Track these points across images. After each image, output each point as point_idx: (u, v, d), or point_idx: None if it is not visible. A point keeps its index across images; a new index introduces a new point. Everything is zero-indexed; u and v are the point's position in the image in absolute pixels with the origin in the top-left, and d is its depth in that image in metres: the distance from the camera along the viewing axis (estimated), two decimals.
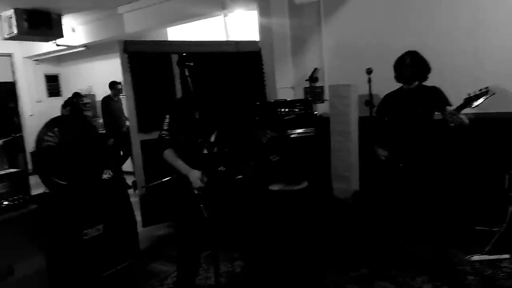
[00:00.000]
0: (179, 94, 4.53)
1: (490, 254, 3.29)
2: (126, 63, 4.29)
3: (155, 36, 6.91)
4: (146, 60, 4.41)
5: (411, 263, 3.31)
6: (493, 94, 2.76)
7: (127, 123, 6.82)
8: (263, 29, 5.21)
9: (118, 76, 7.15)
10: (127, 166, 7.22)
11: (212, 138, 2.51)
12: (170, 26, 6.96)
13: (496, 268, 3.13)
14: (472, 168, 3.84)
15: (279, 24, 5.13)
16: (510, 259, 3.22)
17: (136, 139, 4.41)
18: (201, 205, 2.32)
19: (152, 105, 4.38)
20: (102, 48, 8.02)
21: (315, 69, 4.88)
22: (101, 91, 8.76)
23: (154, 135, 4.21)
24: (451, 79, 3.74)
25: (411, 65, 3.09)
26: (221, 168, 2.56)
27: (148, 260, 3.80)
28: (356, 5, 4.60)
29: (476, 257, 3.29)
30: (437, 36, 4.05)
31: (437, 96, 3.07)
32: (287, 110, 4.15)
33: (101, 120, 8.72)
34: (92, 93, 9.12)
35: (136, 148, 4.43)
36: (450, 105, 3.03)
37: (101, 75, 8.74)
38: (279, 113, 4.39)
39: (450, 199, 3.45)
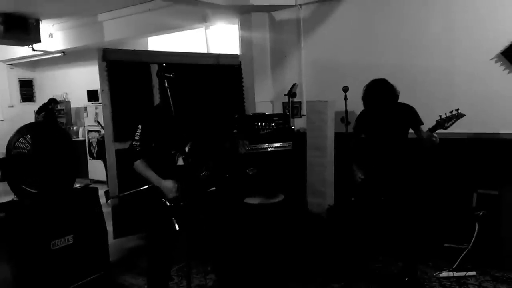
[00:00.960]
0: (157, 103, 4.50)
1: (457, 271, 3.37)
2: (104, 71, 4.25)
3: (135, 45, 6.87)
4: (125, 69, 4.37)
5: (380, 278, 3.36)
6: (463, 116, 2.88)
7: (102, 131, 6.76)
8: (244, 43, 5.28)
9: (95, 84, 7.10)
10: (100, 175, 7.09)
11: (187, 149, 2.49)
12: (150, 36, 6.95)
13: (463, 285, 3.21)
14: (441, 187, 3.95)
15: (260, 39, 5.22)
16: (476, 276, 3.31)
17: (111, 148, 4.34)
18: (173, 218, 2.30)
19: (130, 114, 4.33)
20: (79, 55, 7.92)
21: (294, 85, 4.96)
22: (77, 98, 8.63)
23: None
24: (424, 97, 3.88)
25: (378, 96, 3.12)
26: (204, 173, 2.55)
27: (119, 272, 3.72)
28: (334, 24, 4.73)
29: (444, 274, 3.37)
30: (411, 55, 4.20)
31: (411, 114, 3.17)
32: (264, 124, 4.19)
33: (75, 128, 8.57)
34: (67, 100, 8.95)
35: (111, 158, 4.36)
36: (422, 124, 3.13)
37: (77, 82, 8.62)
38: (256, 127, 4.42)
39: (420, 216, 3.53)
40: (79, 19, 6.74)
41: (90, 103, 7.91)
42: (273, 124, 4.34)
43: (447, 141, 3.05)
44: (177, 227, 2.28)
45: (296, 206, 4.40)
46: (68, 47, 7.33)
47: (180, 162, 2.52)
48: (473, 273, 3.35)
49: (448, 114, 2.89)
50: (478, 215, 3.55)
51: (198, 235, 2.55)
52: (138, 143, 2.49)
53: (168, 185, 2.42)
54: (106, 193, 5.73)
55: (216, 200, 2.71)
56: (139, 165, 2.50)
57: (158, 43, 7.09)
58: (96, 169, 7.48)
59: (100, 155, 6.99)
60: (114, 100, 4.31)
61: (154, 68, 4.48)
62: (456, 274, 3.35)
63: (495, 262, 3.41)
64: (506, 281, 3.22)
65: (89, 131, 7.82)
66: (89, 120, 7.83)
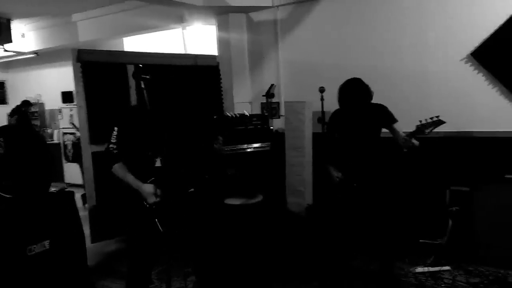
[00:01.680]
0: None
1: (432, 266, 3.48)
2: (79, 72, 4.17)
3: (110, 46, 6.77)
4: (101, 70, 4.30)
5: (359, 275, 3.43)
6: (443, 123, 2.96)
7: (78, 134, 6.62)
8: (222, 44, 5.28)
9: (69, 85, 6.96)
10: (76, 178, 6.95)
11: (165, 152, 2.46)
12: (126, 37, 6.86)
13: (438, 279, 3.32)
14: (416, 185, 4.05)
15: (237, 40, 5.23)
16: (450, 271, 3.42)
17: (88, 151, 4.27)
18: (156, 220, 2.28)
19: (106, 116, 4.26)
20: (53, 55, 7.73)
21: (272, 85, 4.99)
22: (51, 100, 8.43)
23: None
24: (398, 98, 3.97)
25: (353, 95, 3.17)
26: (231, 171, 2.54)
27: (97, 277, 3.66)
28: (311, 25, 4.78)
29: (419, 269, 3.47)
30: (386, 58, 4.29)
31: (383, 113, 3.24)
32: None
33: (49, 130, 8.37)
34: (41, 102, 8.73)
35: (87, 161, 4.28)
36: (396, 121, 3.21)
37: (51, 84, 8.42)
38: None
39: (396, 213, 3.62)
40: (52, 19, 6.59)
41: (64, 105, 7.75)
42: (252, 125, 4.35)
43: (421, 140, 3.13)
44: (160, 228, 2.25)
45: (275, 206, 4.43)
46: (41, 48, 7.15)
47: (158, 163, 2.50)
48: (447, 267, 3.46)
49: (429, 120, 2.96)
50: (452, 211, 3.67)
51: (179, 237, 2.53)
52: (115, 146, 2.45)
53: (148, 189, 2.40)
54: (83, 196, 5.63)
55: (196, 201, 2.70)
56: (118, 169, 2.46)
57: (134, 43, 7.01)
58: (72, 172, 7.33)
59: (76, 158, 6.85)
60: (89, 101, 4.24)
61: (131, 69, 4.43)
62: (431, 269, 3.45)
63: (468, 257, 3.53)
64: (478, 275, 3.33)
65: (64, 133, 7.66)
66: (64, 122, 7.67)
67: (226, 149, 2.64)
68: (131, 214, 2.55)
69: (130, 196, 2.47)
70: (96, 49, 5.96)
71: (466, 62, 3.89)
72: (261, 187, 4.39)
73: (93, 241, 4.21)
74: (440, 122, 2.95)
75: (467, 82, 3.89)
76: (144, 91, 2.30)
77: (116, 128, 2.48)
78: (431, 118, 2.96)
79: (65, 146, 7.65)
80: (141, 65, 2.39)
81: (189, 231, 2.66)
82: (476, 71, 3.85)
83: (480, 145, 3.83)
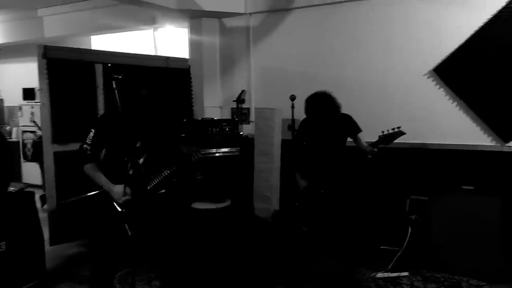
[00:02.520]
0: (101, 105, 4.36)
1: (392, 272, 3.60)
2: (44, 69, 4.03)
3: (77, 43, 6.59)
4: (67, 68, 4.18)
5: (322, 280, 3.50)
6: (404, 134, 3.10)
7: (39, 132, 6.37)
8: (193, 48, 5.28)
9: (31, 82, 6.70)
10: (35, 178, 6.68)
11: (141, 160, 2.46)
12: (94, 35, 6.70)
13: (397, 285, 3.43)
14: (378, 193, 4.20)
15: (210, 44, 5.24)
16: (409, 276, 3.56)
17: (49, 150, 4.13)
18: (126, 224, 2.25)
19: (70, 115, 4.15)
20: (15, 50, 7.42)
21: (243, 91, 5.03)
22: (11, 96, 8.07)
23: (71, 146, 4.09)
24: (363, 109, 4.11)
25: (320, 109, 3.28)
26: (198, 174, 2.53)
27: (56, 281, 3.53)
28: (283, 34, 4.87)
29: (380, 275, 3.58)
30: (352, 70, 4.43)
31: (349, 123, 3.36)
32: (214, 129, 4.22)
33: (7, 128, 8.00)
34: (0, 98, 8.33)
35: (49, 160, 4.14)
36: (361, 131, 3.33)
37: (12, 79, 8.06)
38: (206, 131, 4.44)
39: (359, 220, 3.73)
40: (16, 12, 6.34)
41: (25, 102, 7.43)
42: (221, 129, 4.36)
43: (383, 150, 3.27)
44: (130, 233, 2.23)
45: (242, 211, 4.45)
46: (3, 42, 6.85)
47: (132, 171, 2.48)
48: (406, 273, 3.59)
49: (390, 131, 3.09)
50: (411, 219, 3.82)
51: (146, 241, 2.51)
52: (89, 147, 2.43)
53: (118, 189, 2.37)
54: (42, 197, 5.41)
55: (163, 204, 2.68)
56: (89, 169, 2.44)
57: (102, 42, 6.85)
58: (31, 172, 7.03)
59: (36, 157, 6.58)
60: (53, 99, 4.10)
61: (99, 68, 4.34)
62: (390, 274, 3.57)
63: (425, 263, 3.68)
64: (434, 281, 3.48)
65: (24, 131, 7.33)
66: (24, 120, 7.35)
67: (199, 156, 2.63)
68: (99, 217, 2.50)
69: (98, 198, 2.42)
70: (62, 46, 5.80)
71: (429, 77, 4.09)
72: (229, 192, 4.40)
73: (52, 243, 4.06)
74: (400, 133, 3.09)
75: (429, 96, 4.08)
76: (115, 91, 2.27)
77: (93, 130, 2.45)
78: (393, 129, 3.10)
79: (25, 144, 7.33)
80: (110, 64, 2.36)
81: (156, 234, 2.63)
82: (438, 86, 4.06)
83: (439, 157, 4.02)
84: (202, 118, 4.89)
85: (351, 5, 4.40)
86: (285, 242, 3.89)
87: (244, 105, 5.10)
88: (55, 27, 6.19)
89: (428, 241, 3.69)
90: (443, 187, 3.75)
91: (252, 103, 5.09)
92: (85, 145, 2.45)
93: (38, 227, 3.41)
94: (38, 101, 6.86)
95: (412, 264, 3.68)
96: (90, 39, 6.88)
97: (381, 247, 3.93)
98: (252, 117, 5.00)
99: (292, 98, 3.65)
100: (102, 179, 2.42)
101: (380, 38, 4.30)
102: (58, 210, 4.10)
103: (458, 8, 3.89)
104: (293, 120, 3.67)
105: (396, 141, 3.19)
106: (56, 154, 4.13)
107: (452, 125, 4.00)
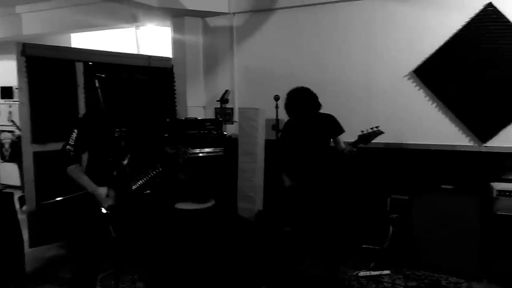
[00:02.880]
0: (81, 105, 4.29)
1: (374, 270, 3.66)
2: (23, 67, 3.94)
3: (57, 41, 6.44)
4: (47, 66, 4.10)
5: (305, 279, 3.53)
6: (382, 133, 3.16)
7: (17, 132, 6.21)
8: (176, 47, 5.23)
9: (9, 80, 6.54)
10: (13, 179, 6.51)
11: (126, 161, 2.43)
12: (74, 33, 6.57)
13: (379, 283, 3.49)
14: (359, 193, 4.25)
15: (193, 44, 5.20)
16: (390, 275, 3.62)
17: (29, 150, 4.04)
18: (110, 225, 2.23)
19: (50, 114, 4.08)
20: None
21: (226, 91, 5.02)
22: None
23: (51, 146, 4.01)
24: (345, 110, 4.15)
25: (301, 104, 3.31)
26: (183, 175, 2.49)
27: (35, 284, 3.45)
28: (266, 34, 4.88)
29: (362, 273, 3.64)
30: (335, 71, 4.48)
31: (332, 123, 3.39)
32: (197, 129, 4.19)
33: None
34: None
35: (28, 160, 4.05)
36: (343, 131, 3.37)
37: None
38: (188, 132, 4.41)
39: (342, 219, 3.77)
40: None
41: (3, 101, 7.24)
42: (206, 130, 4.35)
43: (364, 150, 3.32)
44: (113, 234, 2.20)
45: (226, 211, 4.44)
46: None
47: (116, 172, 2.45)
48: (388, 271, 3.65)
49: (369, 130, 3.15)
50: (392, 218, 3.89)
51: (129, 242, 2.48)
52: (72, 149, 2.38)
53: (102, 192, 2.34)
54: (21, 198, 5.29)
55: (147, 205, 2.66)
56: (73, 170, 2.40)
57: (82, 40, 6.72)
58: (8, 173, 6.85)
59: (14, 157, 6.42)
60: (33, 98, 4.02)
61: (79, 67, 4.27)
62: (373, 273, 3.63)
63: (406, 261, 3.75)
64: (415, 279, 3.55)
65: (1, 131, 7.14)
66: (1, 119, 7.16)
67: (186, 157, 2.62)
68: (82, 218, 2.46)
69: (82, 199, 2.39)
70: (41, 43, 5.67)
71: (409, 79, 4.17)
72: (213, 192, 4.39)
73: (31, 245, 3.97)
74: (379, 132, 3.16)
75: (409, 97, 4.16)
76: (98, 90, 2.23)
77: (75, 131, 2.41)
78: (372, 128, 3.15)
79: (2, 144, 7.13)
80: (91, 63, 2.33)
81: (140, 235, 2.61)
82: (418, 88, 4.14)
83: (419, 156, 4.11)
84: (186, 118, 4.86)
85: (333, 7, 4.44)
86: (268, 242, 3.91)
87: (228, 105, 5.09)
88: (34, 25, 6.04)
89: (409, 239, 3.76)
90: (423, 187, 3.83)
91: (236, 103, 5.09)
92: (68, 146, 2.41)
93: (18, 229, 3.34)
94: (16, 100, 6.70)
95: (394, 262, 3.75)
96: (70, 37, 6.74)
97: (363, 246, 3.99)
98: (236, 117, 4.99)
99: (276, 98, 3.67)
100: (85, 181, 2.38)
101: (362, 39, 4.35)
102: (37, 212, 4.02)
103: (437, 10, 3.98)
104: (277, 120, 3.69)
105: (377, 141, 3.25)
106: (35, 154, 4.05)
107: (432, 126, 4.09)
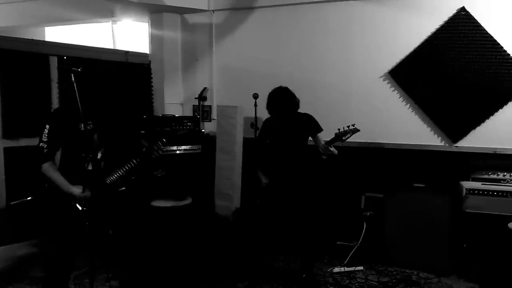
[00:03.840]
0: (55, 99, 4.20)
1: (348, 266, 3.73)
2: None
3: (30, 34, 6.23)
4: (19, 60, 4.00)
5: (282, 276, 3.58)
6: (358, 131, 3.22)
7: None
8: (154, 43, 5.18)
9: None
10: None
11: (99, 155, 2.39)
12: (48, 26, 6.41)
13: (352, 279, 3.57)
14: (334, 190, 4.33)
15: (171, 40, 5.16)
16: (363, 271, 3.71)
17: None
18: (86, 222, 2.20)
19: (22, 109, 3.97)
20: None
21: (205, 88, 5.01)
22: None
23: (23, 142, 3.90)
24: (323, 109, 4.22)
25: (281, 103, 3.35)
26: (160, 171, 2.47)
27: (6, 282, 3.37)
28: (246, 33, 4.89)
29: (336, 269, 3.71)
30: (313, 71, 4.53)
31: (310, 122, 3.44)
32: (175, 126, 4.16)
33: None
34: None
35: None
36: (321, 130, 3.42)
37: None
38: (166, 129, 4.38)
39: (316, 216, 3.83)
40: None
41: None
42: (183, 126, 4.32)
43: (340, 149, 3.38)
44: (89, 231, 2.17)
45: (203, 209, 4.43)
46: None
47: (90, 167, 2.41)
48: (361, 267, 3.74)
49: (346, 128, 3.21)
50: (366, 215, 3.98)
51: (105, 240, 2.45)
52: (45, 145, 2.33)
53: (76, 191, 2.30)
54: None
55: (122, 202, 2.63)
56: (47, 169, 2.35)
57: (57, 34, 6.56)
58: None
59: None
60: (4, 92, 3.92)
61: (53, 61, 4.18)
62: (346, 269, 3.71)
63: (379, 257, 3.84)
64: (388, 274, 3.65)
65: None
66: None
67: (164, 149, 2.59)
68: (56, 216, 2.41)
69: (56, 197, 2.34)
70: (14, 36, 5.50)
71: (384, 80, 4.26)
72: (190, 190, 4.37)
73: (1, 243, 3.85)
74: (355, 130, 3.22)
75: (384, 97, 4.26)
76: (74, 85, 2.19)
77: (47, 126, 2.36)
78: (348, 126, 3.22)
79: None
80: (65, 57, 2.29)
81: (116, 233, 2.58)
82: (392, 88, 4.24)
83: (393, 156, 4.21)
84: (163, 115, 4.82)
85: (311, 7, 4.49)
86: (245, 239, 3.92)
87: (206, 103, 5.08)
88: (6, 17, 5.86)
89: (382, 236, 3.86)
90: (396, 185, 3.92)
91: (214, 100, 5.08)
92: (41, 143, 2.35)
93: None
94: None
95: (367, 258, 3.84)
96: (44, 30, 6.57)
97: (338, 242, 4.06)
98: (214, 114, 4.98)
99: (255, 96, 3.69)
100: (60, 180, 2.34)
101: (339, 40, 4.42)
102: (8, 209, 3.90)
103: (413, 14, 4.08)
104: (256, 118, 3.71)
105: (352, 140, 3.31)
106: (6, 150, 3.94)
107: (405, 126, 4.19)
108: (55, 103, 4.19)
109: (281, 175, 3.39)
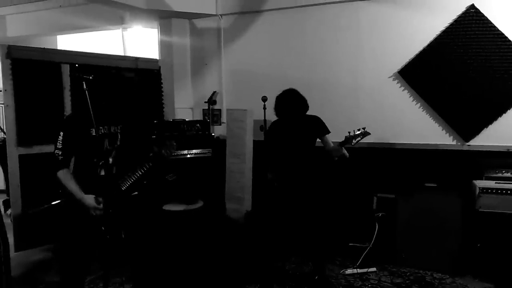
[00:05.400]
0: (68, 106, 4.27)
1: (360, 268, 3.71)
2: (9, 69, 3.91)
3: (43, 43, 6.38)
4: (33, 68, 4.07)
5: (293, 278, 3.57)
6: (369, 134, 3.21)
7: (2, 135, 6.13)
8: (164, 48, 5.24)
9: None
10: None
11: (111, 160, 2.42)
12: (60, 34, 6.53)
13: (365, 280, 3.55)
14: (345, 192, 4.31)
15: (180, 45, 5.22)
16: (376, 272, 3.68)
17: (14, 153, 4.00)
18: (102, 227, 2.23)
19: (36, 117, 4.05)
20: None
21: (214, 92, 5.04)
22: None
23: (36, 149, 3.98)
24: (331, 111, 4.22)
25: (290, 106, 3.35)
26: (171, 175, 2.50)
27: (22, 287, 3.42)
28: (254, 36, 4.91)
29: (349, 271, 3.69)
30: (322, 72, 4.54)
31: (317, 124, 3.44)
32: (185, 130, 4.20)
33: None
34: None
35: (13, 163, 4.00)
36: (329, 132, 3.42)
37: None
38: (176, 133, 4.41)
39: (328, 218, 3.82)
40: None
41: None
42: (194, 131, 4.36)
43: (351, 150, 3.37)
44: (107, 235, 2.21)
45: (215, 212, 4.45)
46: None
47: (103, 172, 2.45)
48: (374, 269, 3.71)
49: (356, 132, 3.20)
50: (378, 216, 3.95)
51: (118, 244, 2.48)
52: (60, 152, 2.37)
53: (89, 199, 2.35)
54: (5, 202, 5.22)
55: (135, 206, 2.66)
56: (62, 176, 2.39)
57: (68, 42, 6.68)
58: None
59: None
60: (18, 101, 3.99)
61: (65, 69, 4.25)
62: (359, 270, 3.68)
63: (392, 258, 3.82)
64: (401, 275, 3.62)
65: None
66: None
67: (173, 151, 2.61)
68: (71, 221, 2.45)
69: (70, 203, 2.38)
70: (27, 45, 5.62)
71: (394, 80, 4.24)
72: (201, 193, 4.39)
73: (17, 249, 3.93)
74: (366, 133, 3.20)
75: (394, 97, 4.24)
76: (86, 92, 2.24)
77: (61, 133, 2.40)
78: (358, 130, 3.20)
79: None
80: (77, 65, 2.34)
81: (129, 237, 2.61)
82: (402, 88, 4.22)
83: (404, 155, 4.18)
84: (173, 119, 4.87)
85: (320, 8, 4.50)
86: (257, 242, 3.93)
87: (216, 106, 5.11)
88: (19, 27, 5.99)
89: (395, 237, 3.83)
90: (408, 185, 3.89)
91: (224, 104, 5.11)
92: (56, 150, 2.40)
93: (4, 233, 3.29)
94: (1, 102, 6.61)
95: (380, 260, 3.81)
96: (56, 38, 6.69)
97: (350, 244, 4.04)
98: (224, 118, 5.01)
99: (264, 99, 3.68)
100: (73, 188, 2.38)
101: (348, 40, 4.42)
102: (23, 215, 3.98)
103: (421, 12, 4.06)
104: (265, 121, 3.70)
105: (363, 140, 3.30)
106: (21, 157, 4.01)
107: (416, 125, 4.17)
108: (68, 110, 4.25)
109: (291, 177, 3.39)
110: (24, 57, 4.04)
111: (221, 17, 5.04)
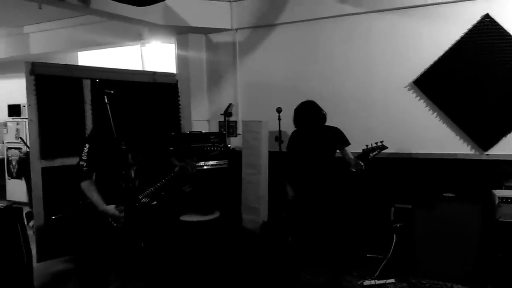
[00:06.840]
0: (89, 121, 4.39)
1: (378, 279, 3.67)
2: (32, 85, 4.05)
3: (64, 59, 6.60)
4: (55, 84, 4.21)
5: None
6: (386, 148, 3.21)
7: (25, 149, 6.31)
8: (181, 63, 5.36)
9: (17, 98, 6.66)
10: (20, 196, 6.59)
11: (132, 174, 2.49)
12: (80, 51, 6.74)
13: None
14: (363, 202, 4.28)
15: (196, 59, 5.33)
16: (395, 283, 3.63)
17: (37, 166, 4.12)
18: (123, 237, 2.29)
19: (58, 131, 4.17)
20: (2, 67, 7.38)
21: (230, 105, 5.12)
22: None
23: (58, 162, 4.09)
24: (345, 122, 4.20)
25: (307, 116, 3.40)
26: (188, 187, 2.57)
27: None
28: (268, 49, 4.99)
29: (366, 282, 3.64)
30: (335, 84, 4.56)
31: (338, 136, 3.46)
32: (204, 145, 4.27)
33: None
34: None
35: (36, 176, 4.12)
36: (349, 144, 3.43)
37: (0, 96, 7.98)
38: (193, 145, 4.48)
39: (345, 229, 3.80)
40: (1, 29, 6.34)
41: (11, 119, 7.37)
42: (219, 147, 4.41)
43: (368, 161, 3.37)
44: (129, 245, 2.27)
45: (231, 223, 4.48)
46: None
47: (124, 184, 2.51)
48: (392, 280, 3.66)
49: (374, 145, 3.21)
50: (396, 227, 3.90)
51: (137, 254, 2.53)
52: (85, 164, 2.45)
53: (111, 211, 2.41)
54: (27, 214, 5.35)
55: (154, 217, 2.71)
56: (86, 187, 2.48)
57: (89, 58, 6.89)
58: (16, 189, 6.94)
59: (21, 173, 6.50)
60: (41, 115, 4.12)
61: (87, 84, 4.38)
62: (377, 282, 3.63)
63: (411, 269, 3.76)
64: (420, 287, 3.56)
65: (9, 148, 7.25)
66: (9, 137, 7.28)
67: (194, 169, 2.67)
68: (92, 231, 2.52)
69: (92, 214, 2.45)
70: (49, 62, 5.83)
71: (409, 90, 4.24)
72: (218, 204, 4.43)
73: (39, 260, 4.02)
74: (383, 147, 3.21)
75: (410, 107, 4.22)
76: (108, 106, 2.32)
77: (87, 145, 2.48)
78: (376, 143, 3.21)
79: (9, 161, 7.24)
80: (98, 80, 2.43)
81: (148, 247, 2.66)
82: (418, 98, 4.20)
83: (421, 166, 4.14)
84: (190, 132, 4.95)
85: (333, 21, 4.55)
86: (273, 252, 3.93)
87: (232, 118, 5.18)
88: (41, 44, 6.21)
89: (413, 248, 3.78)
90: (426, 195, 3.85)
91: (239, 116, 5.18)
92: (81, 162, 2.48)
93: (27, 244, 3.38)
94: (23, 117, 6.83)
95: (398, 271, 3.75)
96: (77, 55, 6.91)
97: (367, 255, 4.00)
98: (240, 129, 5.07)
99: (279, 110, 3.75)
100: (96, 199, 2.45)
101: (361, 52, 4.44)
102: (45, 226, 4.07)
103: (436, 22, 4.06)
104: (280, 132, 3.76)
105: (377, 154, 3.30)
106: (44, 170, 4.12)
107: (433, 135, 4.13)
108: (89, 124, 4.37)
109: (310, 188, 3.41)
110: (47, 73, 4.18)
111: (236, 31, 5.14)
